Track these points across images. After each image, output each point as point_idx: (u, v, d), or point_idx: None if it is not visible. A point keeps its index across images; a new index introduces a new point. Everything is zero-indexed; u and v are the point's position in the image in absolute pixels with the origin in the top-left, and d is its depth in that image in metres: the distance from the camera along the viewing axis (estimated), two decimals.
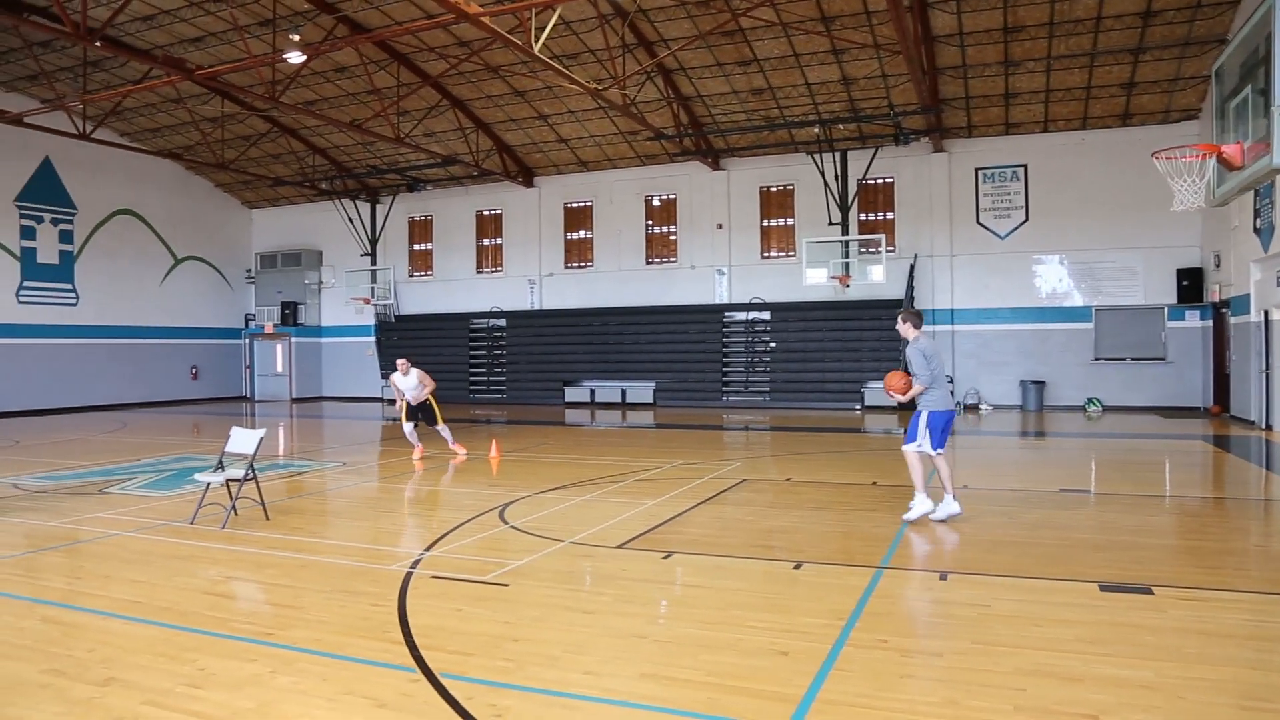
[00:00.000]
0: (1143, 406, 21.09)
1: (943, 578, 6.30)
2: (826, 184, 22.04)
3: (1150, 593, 5.84)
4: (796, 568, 6.64)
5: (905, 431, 8.26)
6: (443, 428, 13.85)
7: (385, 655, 4.85)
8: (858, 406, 22.56)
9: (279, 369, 29.94)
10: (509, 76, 21.36)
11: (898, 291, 22.63)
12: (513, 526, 8.30)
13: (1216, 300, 19.54)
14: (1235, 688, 4.26)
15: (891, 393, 8.26)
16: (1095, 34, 18.10)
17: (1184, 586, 5.99)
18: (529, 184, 27.15)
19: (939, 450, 8.14)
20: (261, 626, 5.44)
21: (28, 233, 23.74)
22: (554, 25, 18.19)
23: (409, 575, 6.51)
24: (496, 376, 27.46)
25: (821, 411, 22.27)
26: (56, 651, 5.02)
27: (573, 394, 25.86)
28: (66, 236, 24.74)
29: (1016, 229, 22.32)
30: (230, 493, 8.67)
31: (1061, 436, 16.73)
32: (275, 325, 29.60)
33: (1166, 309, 21.16)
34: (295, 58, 17.76)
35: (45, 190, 24.15)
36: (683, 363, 24.91)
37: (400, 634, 5.19)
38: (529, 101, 22.86)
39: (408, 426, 13.93)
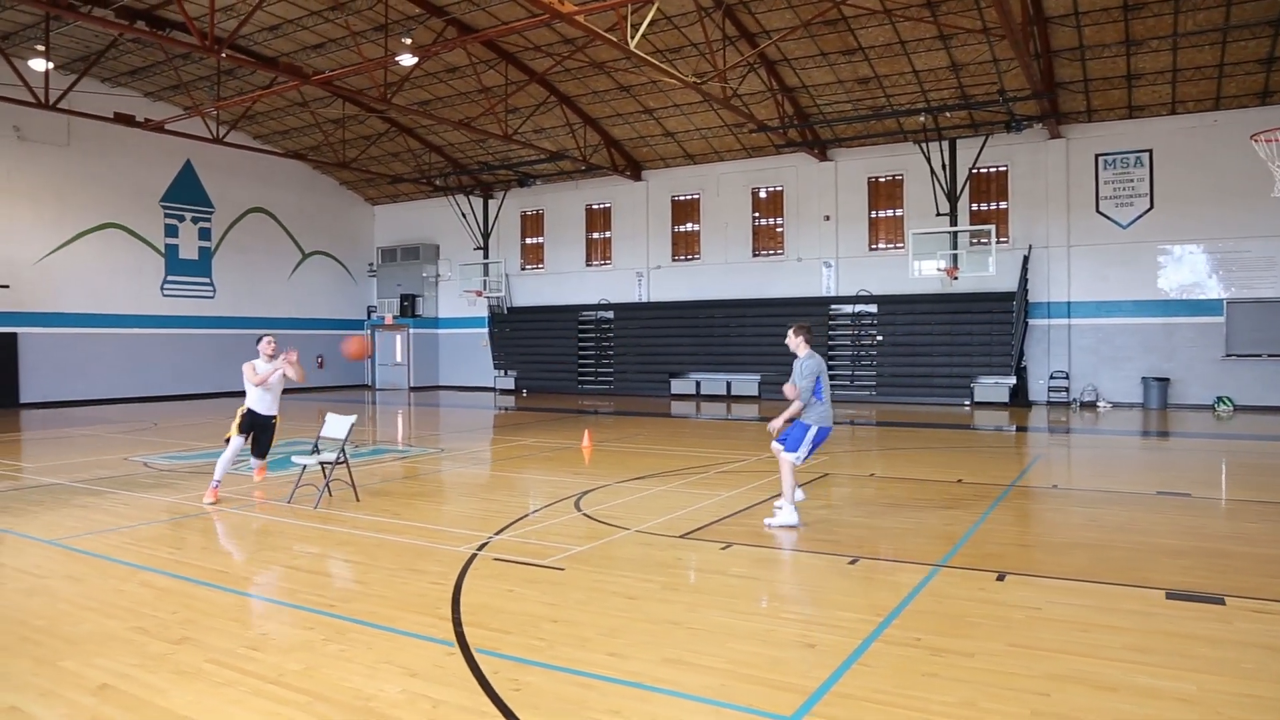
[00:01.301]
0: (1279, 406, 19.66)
1: (1000, 578, 6.15)
2: (934, 173, 21.41)
3: (1222, 603, 5.54)
4: (852, 563, 6.60)
5: (786, 438, 8.09)
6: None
7: (430, 630, 5.13)
8: (967, 402, 21.86)
9: (398, 359, 31.33)
10: (614, 72, 21.65)
11: (1010, 284, 21.79)
12: (584, 514, 8.54)
13: None
14: None
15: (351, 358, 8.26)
16: (1227, 7, 16.91)
17: (1263, 599, 5.66)
18: (637, 178, 27.44)
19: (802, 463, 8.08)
20: (326, 598, 5.83)
21: (171, 230, 25.71)
22: (655, 20, 18.43)
23: (473, 557, 6.82)
24: (604, 368, 27.91)
25: (929, 407, 21.70)
26: (145, 612, 5.54)
27: (678, 386, 26.03)
28: (205, 234, 26.63)
29: (1140, 217, 21.11)
30: (325, 474, 9.24)
31: (1180, 437, 15.80)
32: (394, 317, 30.98)
33: None
34: (407, 60, 18.53)
35: (187, 191, 26.08)
36: (788, 355, 24.54)
37: (449, 611, 5.47)
38: (634, 96, 23.11)
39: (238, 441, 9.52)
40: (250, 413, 9.53)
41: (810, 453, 8.11)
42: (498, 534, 7.65)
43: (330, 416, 9.59)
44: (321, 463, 9.16)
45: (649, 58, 16.24)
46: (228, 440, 9.46)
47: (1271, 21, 17.18)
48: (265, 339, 9.89)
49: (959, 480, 10.44)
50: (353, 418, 9.36)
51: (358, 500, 9.23)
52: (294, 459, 9.69)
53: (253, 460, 9.82)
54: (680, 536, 7.48)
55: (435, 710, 4.04)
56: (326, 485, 9.26)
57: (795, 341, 8.28)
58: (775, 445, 8.31)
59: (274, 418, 9.70)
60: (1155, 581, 6.01)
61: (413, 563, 6.71)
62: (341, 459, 9.16)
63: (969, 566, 6.52)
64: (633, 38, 15.33)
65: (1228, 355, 20.35)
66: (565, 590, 5.92)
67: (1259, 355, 20.09)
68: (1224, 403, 20.07)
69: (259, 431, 9.61)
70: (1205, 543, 7.29)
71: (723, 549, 7.05)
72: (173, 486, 10.34)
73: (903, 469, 11.52)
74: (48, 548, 7.33)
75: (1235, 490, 9.97)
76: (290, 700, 4.17)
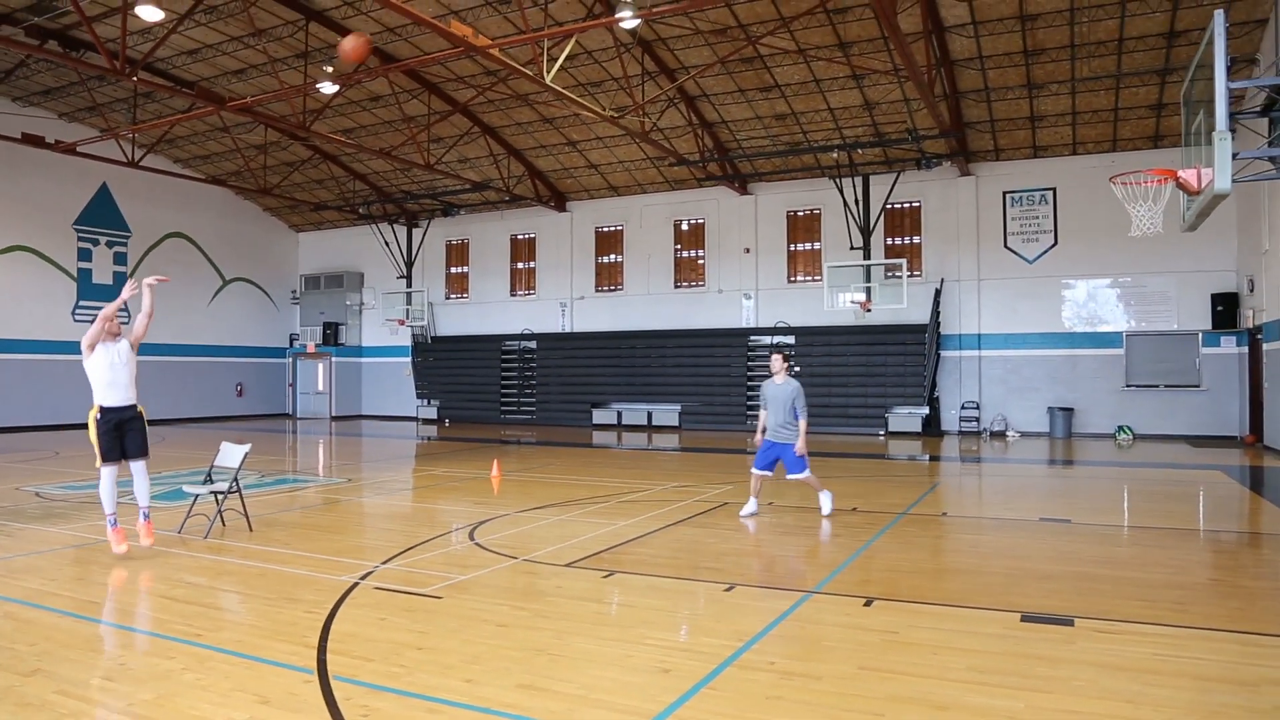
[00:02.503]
0: (1176, 435, 20.55)
1: (868, 604, 6.35)
2: (848, 208, 22.04)
3: (1071, 624, 5.81)
4: (728, 590, 6.75)
5: (799, 463, 9.55)
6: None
7: (292, 658, 5.11)
8: (881, 432, 22.38)
9: (320, 387, 30.85)
10: (537, 104, 21.89)
11: (923, 316, 22.47)
12: (476, 543, 8.55)
13: (1251, 326, 19.00)
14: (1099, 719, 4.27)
15: None
16: (1119, 55, 17.90)
17: (1110, 619, 5.93)
18: (561, 208, 27.65)
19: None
20: (194, 628, 5.76)
21: (84, 254, 25.06)
22: (576, 54, 18.76)
23: (354, 586, 6.80)
24: (527, 398, 27.89)
25: (845, 436, 22.14)
26: (3, 645, 5.40)
27: (600, 416, 26.14)
28: (121, 258, 26.00)
29: (1045, 253, 22.02)
30: (217, 504, 9.10)
31: (1078, 465, 16.42)
32: (317, 345, 30.55)
33: (1201, 335, 20.63)
34: (327, 88, 18.50)
35: (102, 214, 25.48)
36: (707, 386, 25.02)
37: (317, 639, 5.45)
38: (557, 128, 23.36)
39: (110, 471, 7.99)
40: (104, 411, 7.69)
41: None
42: (385, 563, 7.63)
43: (224, 445, 9.46)
44: (214, 492, 9.02)
45: (565, 91, 16.51)
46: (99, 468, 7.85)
47: (1158, 70, 18.20)
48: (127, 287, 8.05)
49: (854, 509, 10.70)
50: (247, 446, 9.25)
51: (250, 530, 9.10)
52: (185, 488, 9.50)
53: (135, 478, 7.97)
54: (566, 565, 7.55)
55: None
56: (219, 515, 9.11)
57: (783, 367, 9.69)
58: (794, 476, 9.59)
59: (135, 406, 7.92)
60: (1017, 605, 6.26)
61: (292, 592, 6.66)
62: (234, 488, 9.03)
63: (841, 593, 6.71)
64: (549, 71, 15.57)
65: (1127, 386, 21.24)
66: (437, 618, 5.95)
67: (1156, 386, 21.03)
68: (1124, 431, 20.91)
69: (126, 429, 7.80)
70: (1073, 567, 7.61)
71: (604, 577, 7.14)
72: (61, 517, 10.06)
73: (800, 498, 11.74)
74: None
75: (1114, 516, 10.42)
76: None
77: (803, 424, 9.38)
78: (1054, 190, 21.93)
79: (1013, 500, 12.13)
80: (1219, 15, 6.88)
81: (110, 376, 7.73)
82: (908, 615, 6.08)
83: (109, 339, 7.82)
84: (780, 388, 9.50)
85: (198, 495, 9.13)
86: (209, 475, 9.37)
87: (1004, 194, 22.39)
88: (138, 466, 7.95)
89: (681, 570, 7.44)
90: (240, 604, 6.40)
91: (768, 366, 23.96)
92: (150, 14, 14.46)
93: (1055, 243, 21.91)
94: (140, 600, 6.51)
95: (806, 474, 9.55)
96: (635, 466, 16.00)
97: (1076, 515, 10.24)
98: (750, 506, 9.92)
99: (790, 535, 9.11)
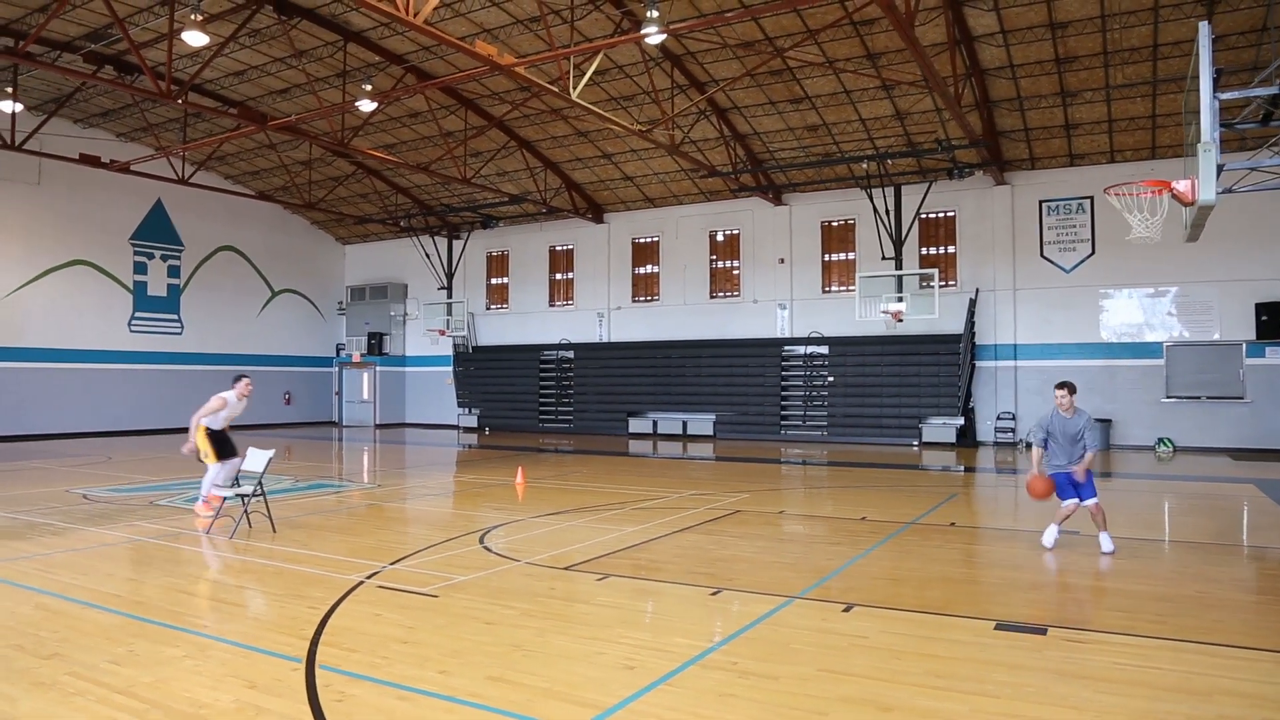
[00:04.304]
0: (1218, 448, 20.12)
1: (847, 609, 6.51)
2: (879, 218, 22.04)
3: (1044, 633, 5.91)
4: (714, 594, 6.96)
5: (1083, 488, 8.71)
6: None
7: (286, 648, 5.47)
8: (915, 443, 22.28)
9: (365, 396, 31.65)
10: (570, 118, 22.31)
11: (958, 326, 22.34)
12: (485, 547, 8.88)
13: None
14: None
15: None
16: (1154, 61, 17.69)
17: (1084, 629, 6.03)
18: (599, 220, 28.05)
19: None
20: (203, 620, 6.17)
21: (140, 268, 26.17)
22: (607, 69, 19.15)
23: (359, 584, 7.16)
24: (565, 407, 28.29)
25: (879, 447, 22.10)
26: (28, 631, 5.87)
27: (636, 425, 26.42)
28: (174, 271, 27.08)
29: (1082, 262, 21.75)
30: (243, 506, 9.58)
31: (1110, 478, 16.21)
32: (362, 355, 31.35)
33: (1245, 345, 20.18)
34: (366, 106, 19.11)
35: (157, 229, 26.59)
36: (742, 396, 25.15)
37: (312, 632, 5.81)
38: (592, 141, 23.77)
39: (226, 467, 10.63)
40: (210, 431, 10.32)
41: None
42: (392, 564, 7.99)
43: (251, 450, 9.94)
44: (239, 495, 9.49)
45: (592, 106, 16.88)
46: (205, 462, 10.26)
47: (1196, 76, 17.89)
48: (244, 379, 10.74)
49: (863, 518, 10.81)
50: (271, 452, 9.71)
51: (274, 531, 9.55)
52: (214, 490, 10.00)
53: (221, 479, 10.30)
54: (565, 569, 7.83)
55: (258, 717, 4.39)
56: (245, 516, 9.59)
57: (1069, 400, 8.70)
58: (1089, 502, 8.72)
59: (225, 430, 10.59)
60: (994, 614, 6.35)
61: (300, 589, 7.04)
62: (258, 491, 9.49)
63: (824, 599, 6.88)
64: (575, 87, 15.95)
65: (1168, 397, 20.87)
66: (429, 615, 6.27)
67: (1198, 398, 20.62)
68: (1164, 444, 20.55)
69: (224, 441, 10.44)
70: (1065, 578, 7.67)
71: (598, 580, 7.40)
72: (104, 517, 10.64)
73: (815, 506, 11.92)
74: None
75: (1126, 529, 10.33)
76: (128, 708, 4.52)
77: (1090, 456, 8.68)
78: (1091, 199, 21.66)
79: (1026, 512, 12.08)
80: (1204, 27, 6.96)
81: (221, 419, 10.50)
82: (883, 621, 6.23)
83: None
84: (1071, 421, 8.76)
85: (225, 498, 9.62)
86: (236, 479, 9.84)
87: (1040, 203, 22.18)
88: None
89: (674, 575, 7.67)
90: (250, 599, 6.81)
91: (804, 377, 24.04)
92: (195, 39, 15.15)
93: (1093, 252, 21.63)
94: (159, 594, 6.94)
95: (1096, 500, 8.77)
96: (660, 474, 16.24)
97: (1086, 527, 10.19)
98: (1052, 534, 8.93)
99: (790, 542, 9.27)
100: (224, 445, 10.35)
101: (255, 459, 9.74)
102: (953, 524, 10.52)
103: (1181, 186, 7.63)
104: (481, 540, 9.23)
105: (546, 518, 10.75)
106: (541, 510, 11.31)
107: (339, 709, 4.48)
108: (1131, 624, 6.17)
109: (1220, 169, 7.19)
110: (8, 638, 5.73)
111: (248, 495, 9.47)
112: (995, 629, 6.00)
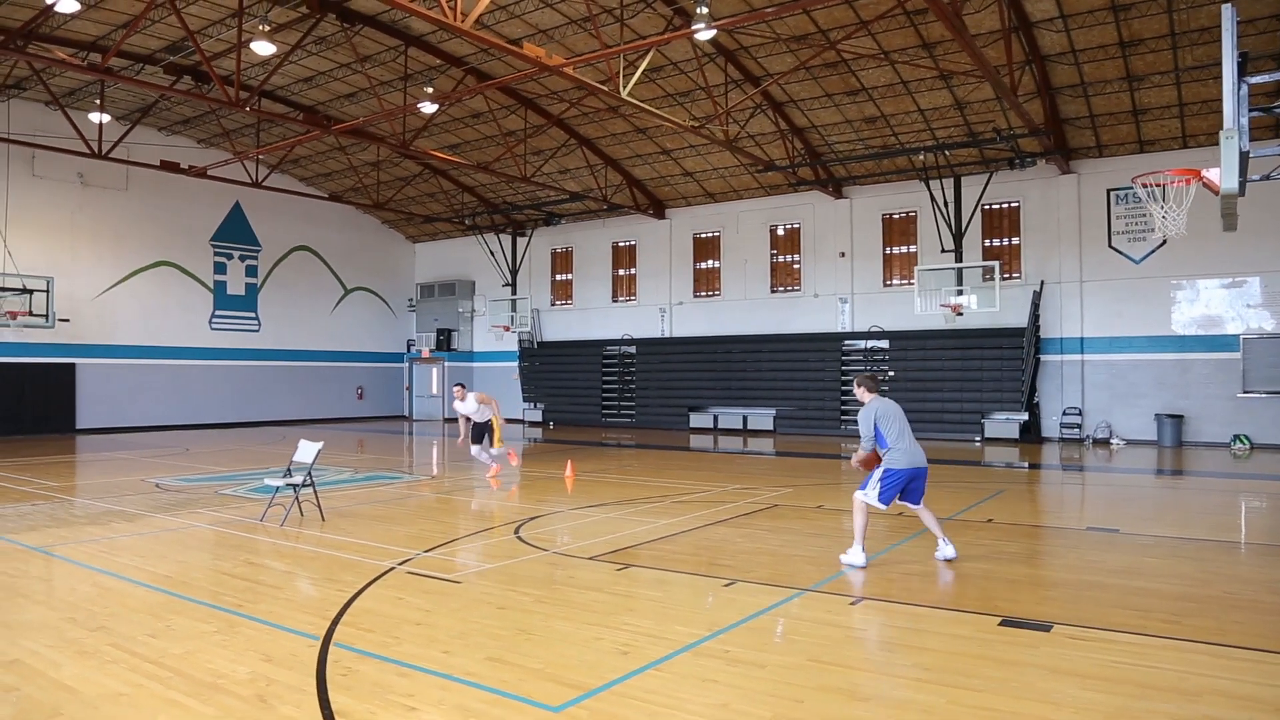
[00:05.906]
0: None
1: (854, 603, 6.59)
2: (938, 210, 21.69)
3: (1048, 630, 5.88)
4: (728, 585, 7.11)
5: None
6: (493, 451, 14.56)
7: (307, 626, 5.84)
8: (977, 438, 21.89)
9: (434, 391, 32.53)
10: (629, 115, 22.54)
11: (1021, 319, 21.86)
12: (519, 537, 9.18)
13: None
14: (1013, 718, 4.42)
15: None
16: None
17: (1091, 627, 5.94)
18: (660, 216, 28.26)
19: (886, 505, 8.10)
20: (239, 599, 6.60)
21: (220, 268, 27.49)
22: (662, 66, 19.33)
23: (389, 570, 7.53)
24: (627, 402, 28.60)
25: (940, 442, 21.75)
26: (81, 605, 6.39)
27: (697, 419, 26.56)
28: (252, 271, 28.33)
29: (1153, 252, 21.05)
30: (295, 495, 10.09)
31: (1177, 475, 15.73)
32: (431, 350, 32.22)
33: None
34: (428, 107, 19.70)
35: (235, 231, 27.86)
36: (803, 390, 25.05)
37: (335, 612, 6.17)
38: (651, 138, 23.96)
39: (475, 449, 14.74)
40: (473, 426, 14.60)
41: (888, 496, 8.04)
42: (426, 551, 8.35)
43: (301, 442, 10.44)
44: (290, 485, 10.00)
45: (643, 104, 17.06)
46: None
47: (1273, 55, 17.20)
48: (456, 386, 15.01)
49: (899, 513, 10.76)
50: (320, 444, 10.20)
51: (323, 520, 10.03)
52: (266, 481, 10.55)
53: (492, 452, 14.58)
54: (589, 559, 8.07)
55: (268, 687, 4.74)
56: (296, 504, 10.10)
57: (860, 392, 8.42)
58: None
59: (487, 422, 14.59)
60: (1002, 610, 6.33)
61: (335, 574, 7.45)
62: (308, 482, 9.99)
63: (835, 592, 6.96)
64: (625, 86, 16.16)
65: (1244, 392, 20.06)
66: (447, 600, 6.58)
67: (1277, 393, 19.77)
68: (1241, 441, 19.75)
69: (484, 434, 14.61)
70: (1086, 575, 7.57)
71: (618, 570, 7.62)
72: (173, 505, 11.31)
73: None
74: (29, 553, 8.28)
75: (1167, 527, 10.10)
76: (155, 675, 4.94)
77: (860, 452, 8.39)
78: (1163, 187, 20.86)
79: (1071, 509, 11.88)
80: (1227, 9, 6.76)
81: (466, 412, 14.60)
82: (886, 615, 6.30)
83: (459, 399, 14.59)
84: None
85: (278, 488, 10.14)
86: (288, 470, 10.37)
87: (1108, 191, 21.52)
88: (485, 454, 14.73)
89: (694, 566, 7.84)
90: (286, 581, 7.23)
91: (885, 371, 23.80)
92: (264, 49, 15.89)
93: (1164, 241, 20.90)
94: (204, 576, 7.42)
95: (858, 495, 8.25)
96: (710, 468, 16.37)
97: (1128, 525, 10.01)
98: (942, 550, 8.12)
99: (820, 537, 9.33)
100: (474, 430, 14.60)
101: (305, 451, 10.24)
102: (990, 520, 10.41)
103: (1212, 175, 7.42)
104: (517, 531, 9.54)
105: (586, 509, 11.01)
106: (584, 503, 11.58)
107: (340, 682, 4.81)
108: (1143, 623, 6.09)
109: (1246, 156, 6.96)
110: (64, 611, 6.26)
111: (298, 485, 9.97)
112: (999, 625, 6.00)
